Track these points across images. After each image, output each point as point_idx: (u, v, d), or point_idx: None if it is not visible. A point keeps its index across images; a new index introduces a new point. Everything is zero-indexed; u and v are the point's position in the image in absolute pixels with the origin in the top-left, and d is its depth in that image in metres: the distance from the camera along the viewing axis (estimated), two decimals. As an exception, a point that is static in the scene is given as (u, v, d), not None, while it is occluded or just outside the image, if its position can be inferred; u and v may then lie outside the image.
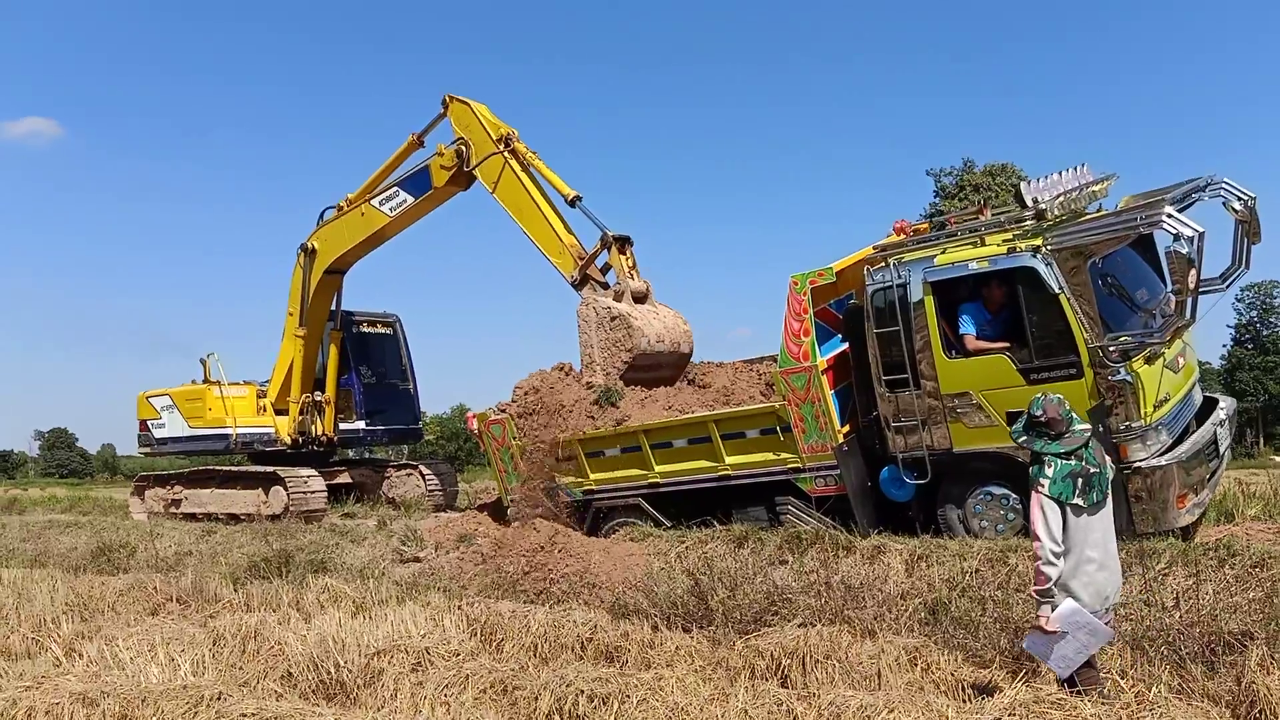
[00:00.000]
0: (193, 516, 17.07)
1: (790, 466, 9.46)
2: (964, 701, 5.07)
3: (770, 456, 9.62)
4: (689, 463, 10.21)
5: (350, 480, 17.97)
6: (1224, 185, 8.47)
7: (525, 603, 8.61)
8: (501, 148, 12.74)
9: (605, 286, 12.02)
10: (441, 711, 5.67)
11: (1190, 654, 5.75)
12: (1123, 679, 5.50)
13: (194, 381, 18.07)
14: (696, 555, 8.82)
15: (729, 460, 9.85)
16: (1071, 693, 4.82)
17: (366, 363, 18.01)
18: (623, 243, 11.97)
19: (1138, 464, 7.73)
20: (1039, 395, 5.21)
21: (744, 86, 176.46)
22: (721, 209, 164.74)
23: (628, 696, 5.47)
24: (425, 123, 14.32)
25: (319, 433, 17.00)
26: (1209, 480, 8.43)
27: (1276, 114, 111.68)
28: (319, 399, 17.05)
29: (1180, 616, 6.12)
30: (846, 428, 9.23)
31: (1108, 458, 5.23)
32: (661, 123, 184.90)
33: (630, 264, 11.95)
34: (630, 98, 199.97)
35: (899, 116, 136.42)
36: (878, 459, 9.08)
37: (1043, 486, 4.89)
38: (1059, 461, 4.92)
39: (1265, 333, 63.60)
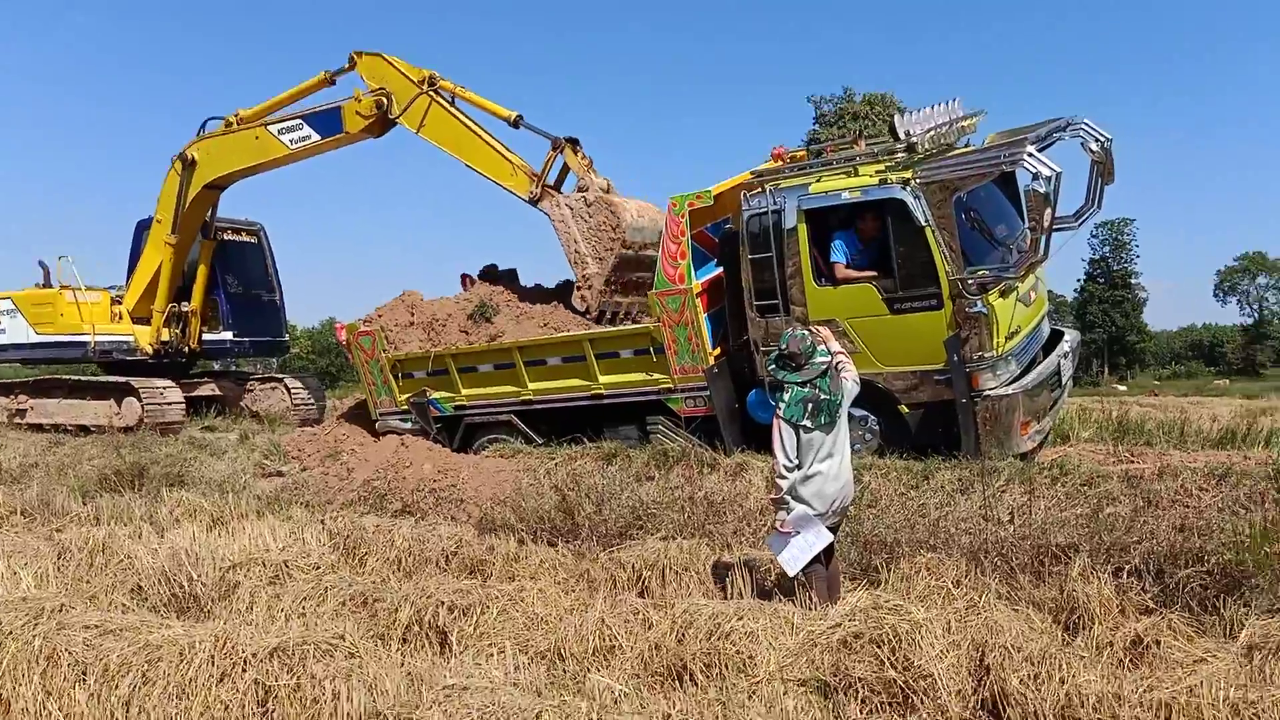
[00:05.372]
0: (39, 427, 16.17)
1: (662, 387, 9.57)
2: (809, 609, 5.33)
3: (643, 377, 9.70)
4: (563, 381, 10.21)
5: (213, 393, 17.31)
6: (1084, 126, 8.74)
7: (391, 517, 8.55)
8: (425, 88, 12.16)
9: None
10: (299, 623, 5.60)
11: (1020, 564, 6.20)
12: (956, 588, 5.89)
13: (37, 285, 16.92)
14: (565, 472, 8.89)
15: (602, 379, 9.89)
16: (801, 587, 5.49)
17: (230, 272, 17.23)
18: (574, 144, 11.52)
19: (987, 392, 8.12)
20: (787, 330, 5.85)
21: (630, 12, 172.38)
22: (604, 132, 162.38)
23: (488, 607, 5.54)
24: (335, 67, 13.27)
25: (184, 343, 16.25)
26: (1050, 409, 8.97)
27: (1140, 58, 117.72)
28: (185, 309, 16.28)
29: (1014, 530, 6.54)
30: (718, 351, 9.37)
31: (847, 383, 5.80)
32: (543, 45, 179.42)
33: (587, 163, 11.45)
34: (512, 17, 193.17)
35: (782, 46, 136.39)
36: (746, 382, 9.28)
37: (780, 410, 5.61)
38: (795, 388, 5.58)
39: (1116, 268, 67.55)
